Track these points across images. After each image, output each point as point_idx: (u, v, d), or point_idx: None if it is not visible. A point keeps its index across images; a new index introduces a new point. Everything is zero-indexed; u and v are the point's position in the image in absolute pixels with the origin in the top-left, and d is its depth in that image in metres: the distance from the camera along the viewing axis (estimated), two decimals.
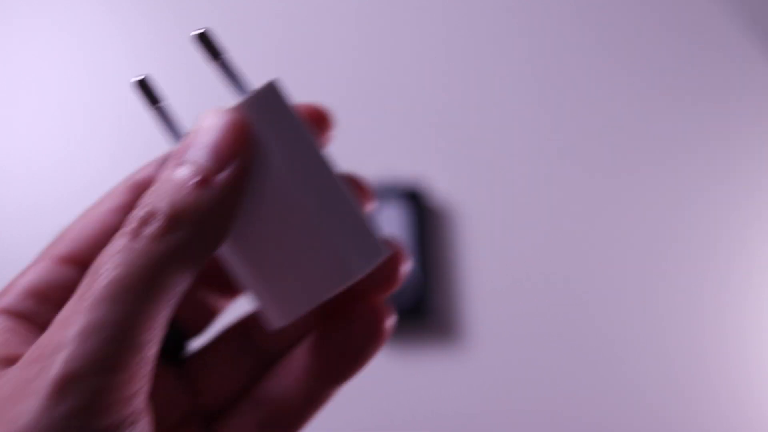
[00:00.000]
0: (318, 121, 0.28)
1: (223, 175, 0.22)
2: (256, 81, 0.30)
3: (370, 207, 0.28)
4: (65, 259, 0.26)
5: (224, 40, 0.92)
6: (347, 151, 0.87)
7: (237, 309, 0.31)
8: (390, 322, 0.28)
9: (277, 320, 0.25)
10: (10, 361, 0.23)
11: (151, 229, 0.21)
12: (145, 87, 0.29)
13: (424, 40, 0.92)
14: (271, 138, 0.24)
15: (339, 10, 0.94)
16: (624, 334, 0.80)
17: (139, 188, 0.26)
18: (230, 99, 0.29)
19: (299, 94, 0.89)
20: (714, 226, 0.83)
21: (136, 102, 0.90)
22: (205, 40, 0.27)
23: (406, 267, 0.27)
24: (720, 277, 0.81)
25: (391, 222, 0.78)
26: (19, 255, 0.84)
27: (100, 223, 0.26)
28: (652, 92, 0.90)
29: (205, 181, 0.22)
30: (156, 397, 0.24)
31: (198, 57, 0.91)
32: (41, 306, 0.25)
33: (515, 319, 0.79)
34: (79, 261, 0.26)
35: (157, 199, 0.22)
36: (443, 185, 0.84)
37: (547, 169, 0.85)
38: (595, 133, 0.87)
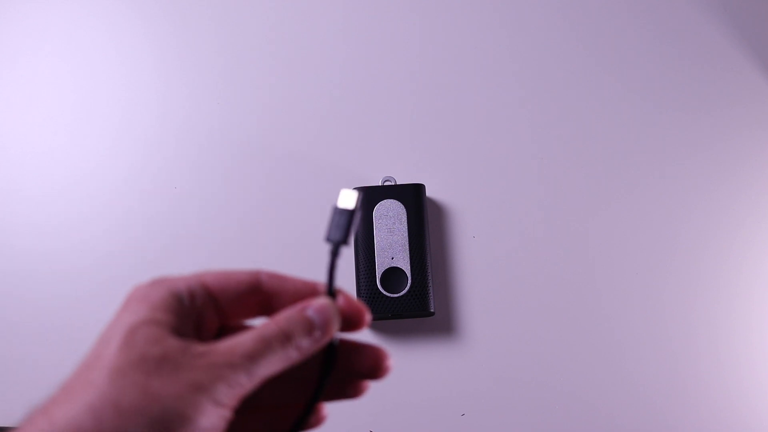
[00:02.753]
0: (354, 315, 0.43)
1: (323, 340, 0.40)
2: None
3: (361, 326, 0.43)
4: (208, 286, 0.41)
5: (224, 41, 0.91)
6: (348, 151, 0.87)
7: None
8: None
9: None
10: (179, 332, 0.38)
11: (286, 343, 0.39)
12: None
13: (427, 49, 0.92)
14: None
15: (341, 18, 0.94)
16: (618, 330, 0.80)
17: (257, 279, 0.42)
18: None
19: (303, 98, 0.89)
20: (708, 228, 0.84)
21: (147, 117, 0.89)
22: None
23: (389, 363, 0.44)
24: (714, 277, 0.82)
25: (392, 221, 0.78)
26: (25, 266, 0.84)
27: (229, 281, 0.41)
28: (647, 100, 0.90)
29: (315, 339, 0.40)
30: None
31: (201, 58, 0.91)
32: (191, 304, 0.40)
33: (511, 317, 0.80)
34: (215, 293, 0.41)
35: (297, 331, 0.39)
36: (443, 186, 0.84)
37: (545, 172, 0.85)
38: (592, 138, 0.88)
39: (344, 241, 0.42)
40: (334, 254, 0.42)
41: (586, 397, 0.77)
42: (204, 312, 0.40)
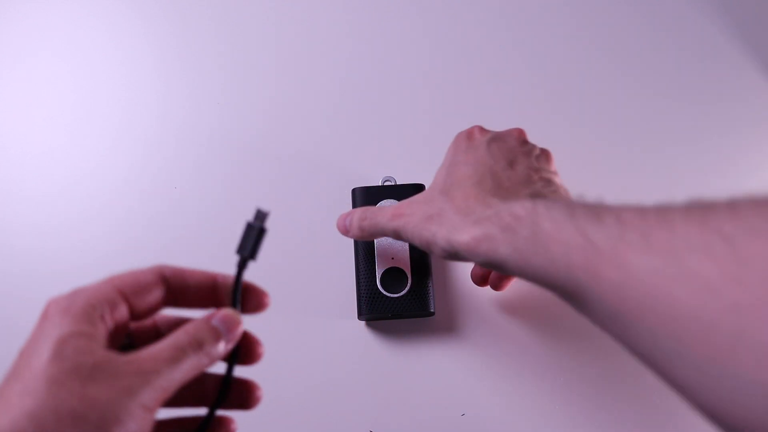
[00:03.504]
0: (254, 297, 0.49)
1: (229, 346, 0.46)
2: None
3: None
4: (118, 289, 0.44)
5: (224, 41, 0.91)
6: (349, 151, 0.87)
7: None
8: None
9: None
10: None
11: (197, 351, 0.43)
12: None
13: (428, 49, 0.92)
14: None
15: (342, 18, 0.94)
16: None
17: (162, 277, 0.46)
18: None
19: (304, 98, 0.89)
20: None
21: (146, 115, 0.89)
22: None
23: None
24: None
25: None
26: (24, 267, 0.84)
27: (136, 282, 0.45)
28: (647, 100, 0.90)
29: (222, 346, 0.45)
30: None
31: (202, 58, 0.91)
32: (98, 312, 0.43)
33: (512, 316, 0.80)
34: (125, 293, 0.44)
35: (207, 340, 0.44)
36: None
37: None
38: (592, 137, 0.88)
39: (252, 256, 0.48)
40: (241, 267, 0.48)
41: (587, 398, 0.77)
42: (119, 315, 0.43)
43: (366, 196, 0.78)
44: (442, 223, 0.56)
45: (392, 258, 0.74)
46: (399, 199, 0.77)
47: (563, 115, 0.89)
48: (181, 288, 0.47)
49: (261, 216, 0.49)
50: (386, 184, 0.79)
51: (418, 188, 0.79)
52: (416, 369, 0.78)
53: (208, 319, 0.45)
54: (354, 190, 0.79)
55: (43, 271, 0.83)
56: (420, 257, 0.75)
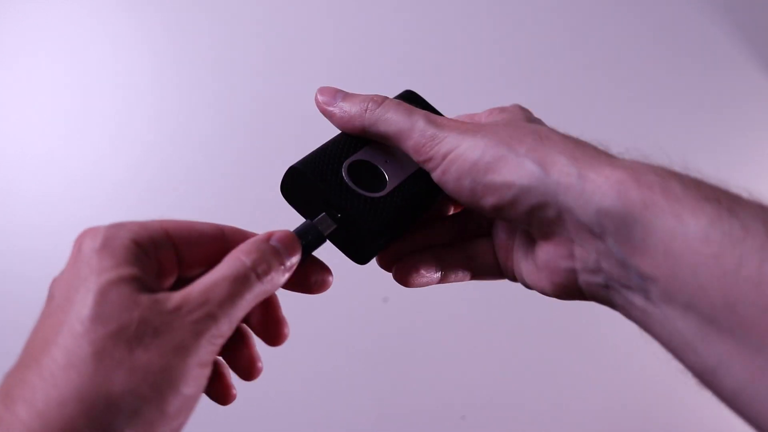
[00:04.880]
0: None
1: (291, 270, 0.39)
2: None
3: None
4: (169, 232, 0.37)
5: (220, 41, 0.91)
6: None
7: None
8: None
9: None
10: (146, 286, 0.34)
11: (261, 277, 0.36)
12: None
13: (431, 47, 0.92)
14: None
15: (336, 15, 0.94)
16: (621, 328, 0.80)
17: (222, 231, 0.39)
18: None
19: (301, 97, 0.89)
20: None
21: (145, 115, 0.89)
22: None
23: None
24: None
25: None
26: (24, 266, 0.83)
27: (192, 229, 0.38)
28: (648, 102, 0.90)
29: (286, 269, 0.38)
30: None
31: (212, 55, 0.91)
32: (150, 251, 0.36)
33: (512, 315, 0.80)
34: (176, 239, 0.37)
35: (268, 262, 0.37)
36: None
37: None
38: (591, 138, 0.88)
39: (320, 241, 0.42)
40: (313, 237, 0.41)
41: (588, 398, 0.77)
42: (164, 261, 0.37)
43: (410, 101, 0.50)
44: (552, 145, 0.38)
45: (386, 161, 0.47)
46: None
47: (562, 116, 0.89)
48: (189, 242, 0.39)
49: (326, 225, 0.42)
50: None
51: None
52: (416, 369, 0.78)
53: (265, 239, 0.38)
54: (406, 91, 0.54)
55: (43, 271, 0.82)
56: (421, 190, 0.46)
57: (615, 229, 0.34)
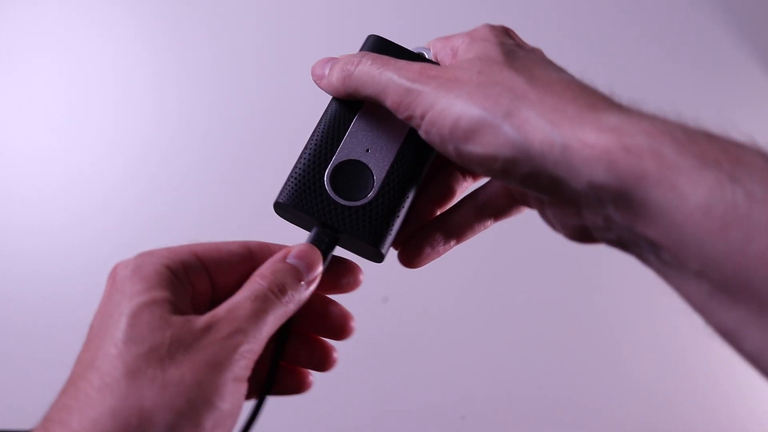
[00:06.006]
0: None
1: (312, 285, 0.39)
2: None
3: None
4: (199, 256, 0.38)
5: (218, 40, 0.91)
6: None
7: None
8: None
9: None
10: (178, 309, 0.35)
11: (282, 296, 0.37)
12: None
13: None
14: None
15: (335, 15, 0.94)
16: (622, 328, 0.80)
17: (249, 250, 0.40)
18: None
19: (300, 95, 0.89)
20: None
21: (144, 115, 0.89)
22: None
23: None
24: None
25: None
26: (24, 267, 0.83)
27: (220, 251, 0.39)
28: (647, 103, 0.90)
29: (306, 286, 0.39)
30: None
31: (208, 56, 0.91)
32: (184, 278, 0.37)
33: (513, 313, 0.80)
34: (206, 262, 0.39)
35: (287, 282, 0.38)
36: None
37: None
38: None
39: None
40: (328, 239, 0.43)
41: (588, 399, 0.77)
42: (197, 285, 0.38)
43: (378, 50, 0.47)
44: (530, 105, 0.34)
45: (367, 150, 0.45)
46: None
47: None
48: (216, 263, 0.40)
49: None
50: (419, 52, 0.48)
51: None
52: (416, 369, 0.78)
53: (282, 258, 0.39)
54: (369, 37, 0.48)
55: (41, 271, 0.82)
56: (410, 166, 0.45)
57: (611, 200, 0.32)
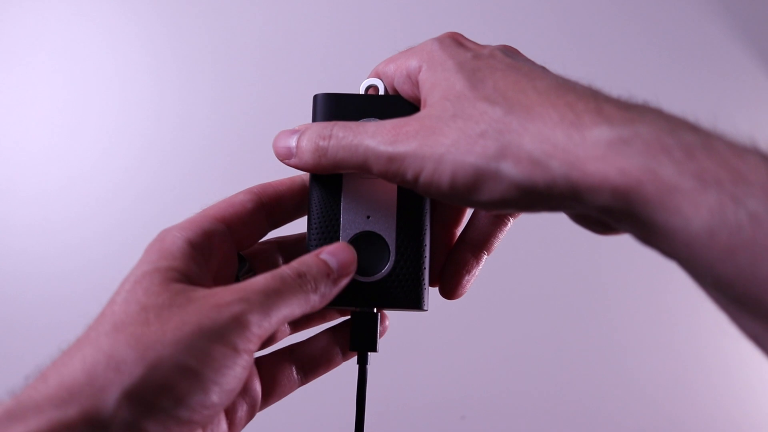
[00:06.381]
0: None
1: (341, 282, 0.39)
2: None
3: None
4: (218, 219, 0.39)
5: (217, 40, 0.91)
6: None
7: None
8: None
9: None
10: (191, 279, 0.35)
11: (304, 282, 0.37)
12: None
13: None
14: None
15: (334, 15, 0.94)
16: (623, 328, 0.80)
17: (257, 195, 0.42)
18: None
19: (299, 95, 0.89)
20: None
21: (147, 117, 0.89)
22: None
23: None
24: None
25: None
26: (27, 267, 0.83)
27: (235, 206, 0.41)
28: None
29: (333, 281, 0.38)
30: None
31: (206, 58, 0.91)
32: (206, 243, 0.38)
33: (513, 314, 0.80)
34: (226, 222, 0.40)
35: (312, 271, 0.38)
36: None
37: None
38: None
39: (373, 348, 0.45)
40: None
41: (589, 398, 0.77)
42: (222, 248, 0.38)
43: (334, 108, 0.46)
44: (517, 137, 0.33)
45: (368, 217, 0.45)
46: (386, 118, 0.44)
47: None
48: (275, 199, 0.41)
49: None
50: (370, 92, 0.47)
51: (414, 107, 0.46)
52: (416, 369, 0.78)
53: (316, 254, 0.39)
54: (316, 98, 0.48)
55: (42, 271, 0.82)
56: (412, 219, 0.45)
57: (622, 220, 0.32)
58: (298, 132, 0.43)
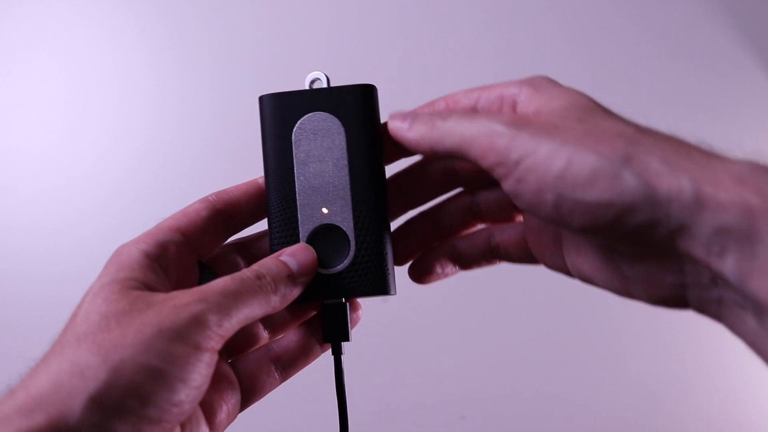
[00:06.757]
0: None
1: (300, 282, 0.40)
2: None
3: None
4: (174, 229, 0.40)
5: (217, 40, 0.90)
6: None
7: None
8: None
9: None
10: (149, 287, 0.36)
11: (264, 283, 0.38)
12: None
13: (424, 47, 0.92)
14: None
15: (334, 16, 0.94)
16: (623, 329, 0.80)
17: (212, 203, 0.42)
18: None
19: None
20: None
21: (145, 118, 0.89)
22: None
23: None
24: None
25: (322, 148, 0.76)
26: (27, 267, 0.83)
27: (189, 216, 0.41)
28: (647, 106, 0.90)
29: (292, 281, 0.40)
30: None
31: (206, 59, 0.91)
32: (163, 253, 0.39)
33: (512, 312, 0.79)
34: (182, 231, 0.40)
35: (271, 273, 0.39)
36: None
37: None
38: None
39: (346, 338, 0.45)
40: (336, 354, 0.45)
41: (589, 398, 0.77)
42: (180, 261, 0.39)
43: (282, 106, 0.48)
44: (647, 151, 0.33)
45: (323, 210, 0.45)
46: (334, 112, 0.47)
47: None
48: (231, 206, 0.42)
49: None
50: (315, 86, 0.49)
51: (366, 91, 0.48)
52: (415, 370, 0.78)
53: (276, 255, 0.40)
54: (262, 99, 0.49)
55: (42, 271, 0.82)
56: (370, 206, 0.45)
57: (738, 247, 0.30)
58: (413, 112, 0.42)
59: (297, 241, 0.44)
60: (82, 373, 0.31)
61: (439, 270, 0.45)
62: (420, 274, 0.46)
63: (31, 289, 0.83)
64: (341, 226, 0.45)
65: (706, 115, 0.90)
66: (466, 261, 0.45)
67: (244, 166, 0.89)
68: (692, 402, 0.78)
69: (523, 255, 0.45)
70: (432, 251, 0.45)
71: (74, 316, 0.35)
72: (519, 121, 0.35)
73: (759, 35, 0.92)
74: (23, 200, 0.86)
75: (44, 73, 0.92)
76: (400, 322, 0.81)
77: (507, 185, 0.36)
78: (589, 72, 0.92)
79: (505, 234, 0.45)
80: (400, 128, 0.41)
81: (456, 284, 0.85)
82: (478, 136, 0.36)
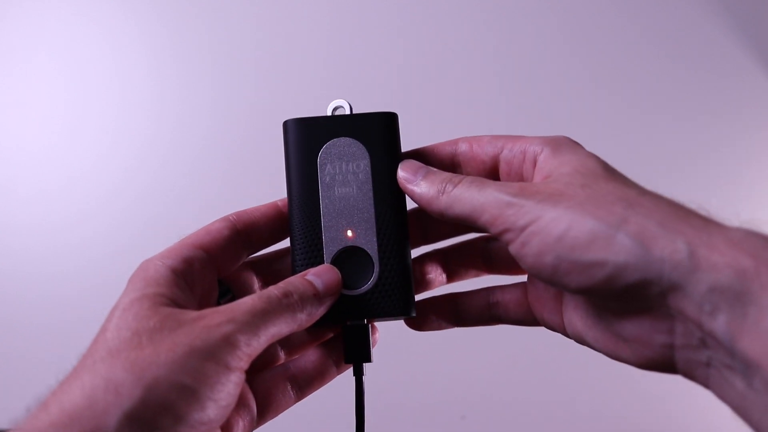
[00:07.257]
0: None
1: (326, 301, 0.42)
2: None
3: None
4: (197, 246, 0.41)
5: (217, 40, 0.90)
6: None
7: None
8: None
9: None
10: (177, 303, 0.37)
11: (291, 302, 0.38)
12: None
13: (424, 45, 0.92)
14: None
15: (333, 16, 0.94)
16: None
17: (232, 222, 0.43)
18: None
19: (298, 95, 0.89)
20: None
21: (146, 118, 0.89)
22: None
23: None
24: None
25: (346, 172, 0.77)
26: (26, 268, 0.83)
27: (212, 234, 0.42)
28: (648, 107, 0.90)
29: (318, 299, 0.41)
30: None
31: (208, 59, 0.91)
32: (188, 269, 0.40)
33: None
34: (205, 249, 0.41)
35: (298, 291, 0.40)
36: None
37: None
38: (589, 142, 0.87)
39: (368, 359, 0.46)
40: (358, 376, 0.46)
41: (589, 399, 0.77)
42: (203, 274, 0.40)
43: (306, 132, 0.48)
44: (645, 214, 0.35)
45: (348, 233, 0.47)
46: (358, 137, 0.48)
47: (558, 121, 0.89)
48: (250, 226, 0.44)
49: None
50: (337, 113, 0.50)
51: (389, 118, 0.49)
52: (415, 370, 0.78)
53: (302, 274, 0.42)
54: (287, 124, 0.50)
55: (42, 271, 0.82)
56: (393, 229, 0.47)
57: (729, 307, 0.31)
58: (427, 168, 0.45)
59: (321, 262, 0.46)
60: (116, 390, 0.32)
61: (436, 325, 0.48)
62: (419, 325, 0.48)
63: (31, 289, 0.83)
64: (365, 249, 0.46)
65: (706, 115, 0.90)
66: (465, 318, 0.47)
67: (244, 167, 0.90)
68: (692, 402, 0.78)
69: (522, 314, 0.46)
70: (434, 304, 0.48)
71: (104, 330, 0.35)
72: (526, 191, 0.38)
73: (759, 35, 0.92)
74: (23, 200, 0.86)
75: (44, 73, 0.92)
76: (399, 322, 0.81)
77: (513, 248, 0.38)
78: (589, 72, 0.93)
79: (507, 294, 0.47)
80: (409, 180, 0.44)
81: (456, 284, 0.86)
82: (488, 206, 0.39)
